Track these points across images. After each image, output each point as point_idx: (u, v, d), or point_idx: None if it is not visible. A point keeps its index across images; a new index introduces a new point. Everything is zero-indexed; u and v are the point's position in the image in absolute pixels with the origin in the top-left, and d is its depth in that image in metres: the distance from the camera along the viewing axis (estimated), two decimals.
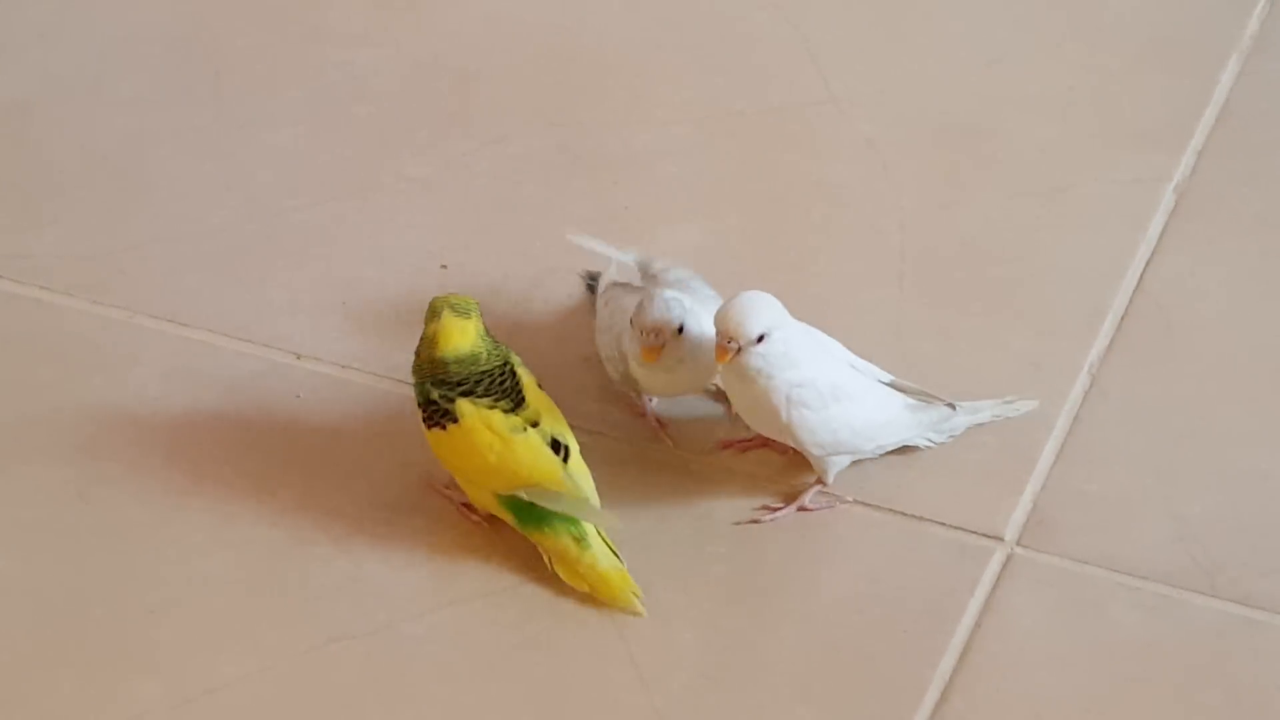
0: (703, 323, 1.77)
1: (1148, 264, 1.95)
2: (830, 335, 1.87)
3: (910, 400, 1.80)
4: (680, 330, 1.76)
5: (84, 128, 2.08)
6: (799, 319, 1.89)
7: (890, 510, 1.80)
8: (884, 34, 2.13)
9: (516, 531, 1.74)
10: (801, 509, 1.80)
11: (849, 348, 1.87)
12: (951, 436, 1.83)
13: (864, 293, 1.95)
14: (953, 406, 1.80)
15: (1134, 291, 1.93)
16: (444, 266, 1.94)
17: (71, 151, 2.06)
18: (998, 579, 1.74)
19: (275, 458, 1.82)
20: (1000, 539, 1.77)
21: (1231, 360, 1.89)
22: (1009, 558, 1.76)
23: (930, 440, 1.83)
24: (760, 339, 1.72)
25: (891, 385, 1.80)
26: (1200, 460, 1.82)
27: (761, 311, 1.74)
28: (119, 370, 1.90)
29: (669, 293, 1.78)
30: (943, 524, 1.78)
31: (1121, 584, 1.74)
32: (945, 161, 2.04)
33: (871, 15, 2.14)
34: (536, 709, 1.67)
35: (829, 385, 1.76)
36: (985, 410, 1.83)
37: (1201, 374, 1.88)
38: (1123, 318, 1.92)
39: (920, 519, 1.79)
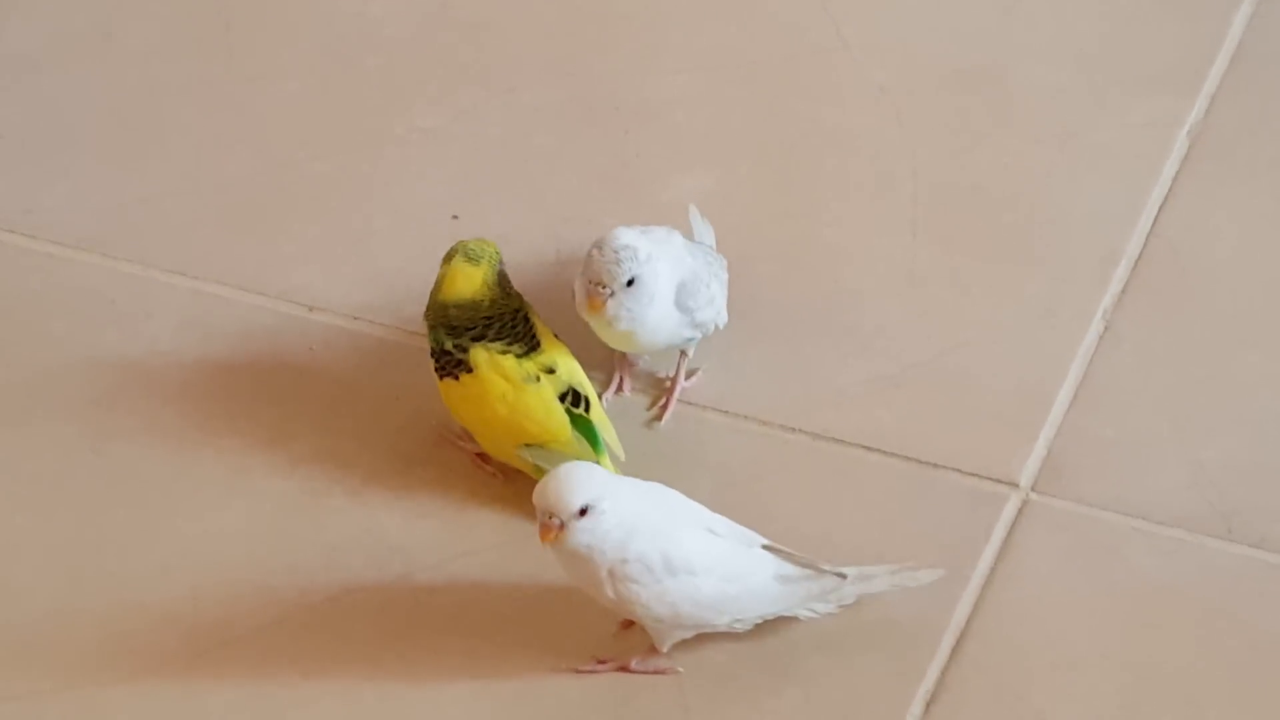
0: (661, 276, 1.74)
1: (1161, 208, 1.95)
2: (844, 284, 1.90)
3: (788, 570, 1.69)
4: (630, 283, 1.73)
5: (94, 81, 2.08)
6: (812, 266, 1.90)
7: (905, 457, 1.79)
8: None
9: (531, 482, 1.71)
10: (623, 669, 1.70)
11: (862, 298, 1.89)
12: (841, 606, 1.70)
13: (876, 240, 1.94)
14: (842, 576, 1.68)
15: (1148, 236, 1.93)
16: (455, 217, 1.94)
17: (82, 105, 2.06)
18: (1013, 525, 1.74)
19: (288, 410, 1.82)
20: (1015, 485, 1.77)
21: (1247, 304, 1.89)
22: (1024, 503, 1.76)
23: (814, 611, 1.70)
24: (583, 512, 1.62)
25: (768, 550, 1.69)
26: (1215, 404, 1.82)
27: (583, 483, 1.64)
28: (132, 324, 1.90)
29: (629, 237, 1.74)
30: (958, 470, 1.78)
31: (1137, 529, 1.74)
32: (958, 108, 2.03)
33: None
34: (552, 658, 1.68)
35: (662, 558, 1.65)
36: (880, 579, 1.70)
37: (1216, 318, 1.88)
38: (1136, 262, 1.91)
39: (935, 466, 1.79)
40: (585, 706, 1.66)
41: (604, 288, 1.73)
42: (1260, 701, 1.65)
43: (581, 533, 1.63)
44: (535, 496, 1.63)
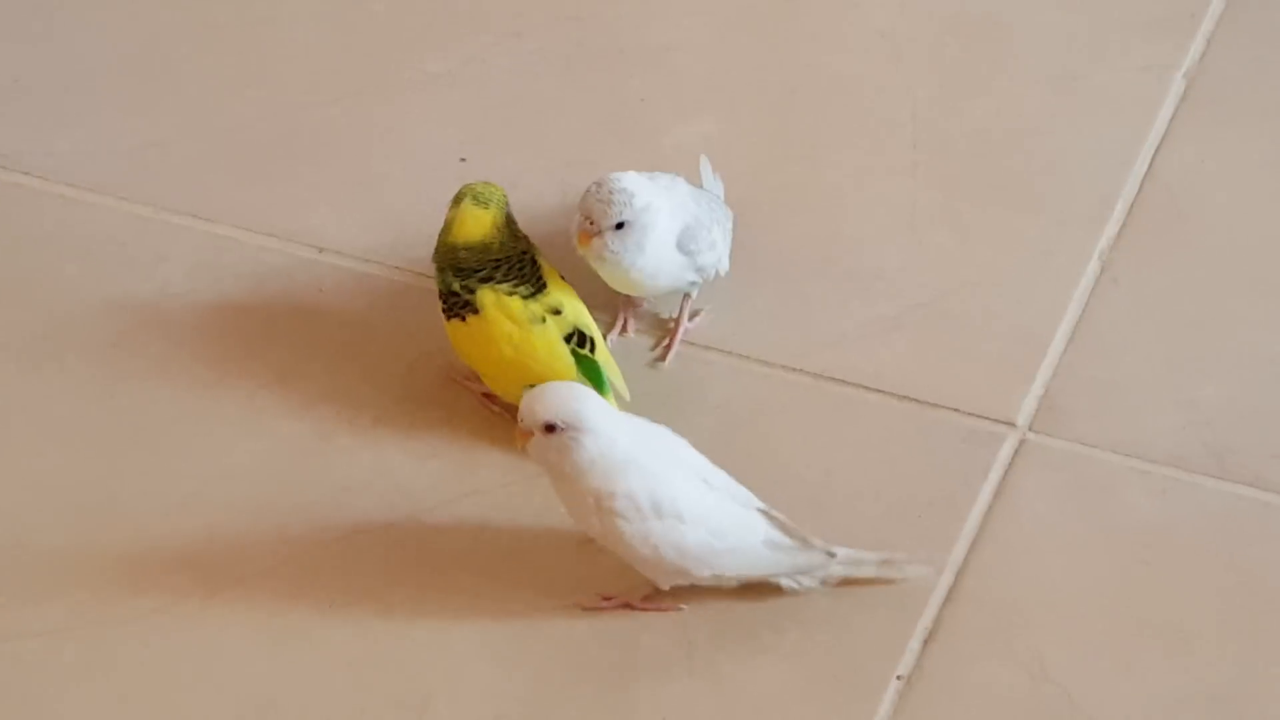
0: (660, 218, 1.75)
1: (1157, 151, 1.96)
2: (845, 227, 1.89)
3: (778, 537, 1.67)
4: (620, 227, 1.73)
5: (106, 27, 2.08)
6: (813, 210, 1.90)
7: (904, 397, 1.80)
8: None
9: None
10: (628, 606, 1.70)
11: (862, 242, 1.88)
12: (825, 584, 1.69)
13: (878, 184, 1.95)
14: (831, 554, 1.67)
15: (1144, 179, 1.94)
16: (463, 160, 1.94)
17: (94, 50, 2.06)
18: (1010, 464, 1.75)
19: (299, 351, 1.83)
20: (1013, 424, 1.78)
21: (1242, 247, 1.89)
22: (1021, 443, 1.76)
23: (797, 583, 1.69)
24: (550, 429, 1.62)
25: (764, 514, 1.68)
26: (1210, 346, 1.83)
27: (559, 404, 1.64)
28: (145, 266, 1.90)
29: (628, 180, 1.74)
30: (956, 410, 1.79)
31: (1132, 468, 1.75)
32: (957, 52, 2.04)
33: None
34: (559, 596, 1.69)
35: (650, 499, 1.65)
36: (868, 565, 1.69)
37: (1212, 261, 1.88)
38: (1133, 205, 1.92)
39: (934, 405, 1.79)
40: (591, 644, 1.66)
41: (592, 224, 1.74)
42: (1250, 636, 1.65)
43: (545, 450, 1.63)
44: (522, 400, 1.65)
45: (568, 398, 1.64)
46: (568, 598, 1.69)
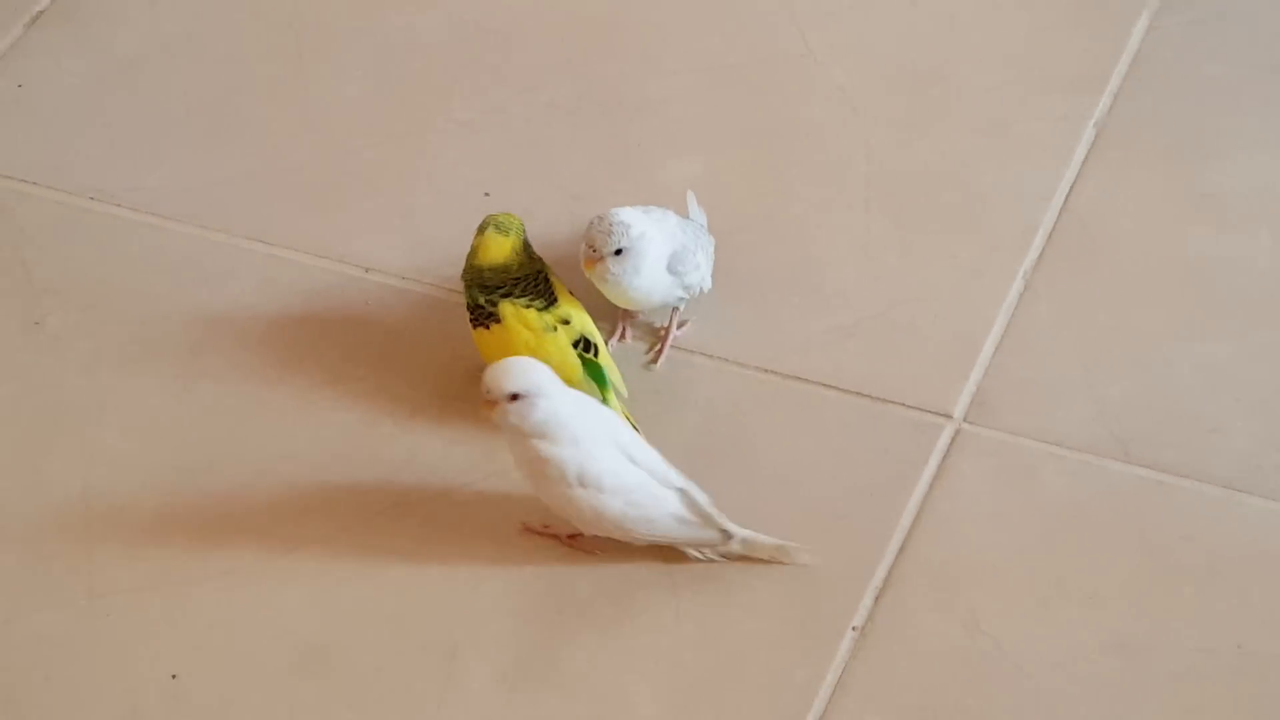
0: (653, 247, 1.75)
1: (1072, 188, 1.94)
2: (809, 251, 1.89)
3: (685, 514, 1.65)
4: (619, 253, 1.74)
5: (186, 81, 2.07)
6: (782, 237, 1.90)
7: (858, 394, 1.80)
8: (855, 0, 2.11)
9: None
10: (557, 538, 1.70)
11: (823, 263, 1.88)
12: (725, 558, 1.67)
13: (836, 214, 1.94)
14: (729, 535, 1.65)
15: (1061, 211, 1.92)
16: (487, 194, 1.94)
17: (176, 100, 2.05)
18: (947, 450, 1.75)
19: (348, 355, 1.83)
20: (950, 416, 1.78)
21: (1143, 268, 1.88)
22: (957, 432, 1.77)
23: (701, 554, 1.67)
24: (514, 398, 1.62)
25: (681, 492, 1.65)
26: (1117, 351, 1.82)
27: (519, 375, 1.63)
28: (219, 283, 1.90)
29: (625, 214, 1.75)
30: (902, 404, 1.79)
31: (1051, 453, 1.75)
32: (904, 104, 2.02)
33: None
34: (564, 559, 1.70)
35: (577, 469, 1.63)
36: (763, 547, 1.66)
37: (1118, 280, 1.88)
38: (1051, 232, 1.91)
39: (883, 400, 1.79)
40: (595, 600, 1.67)
41: (595, 251, 1.74)
42: (1150, 593, 1.66)
43: (512, 415, 1.63)
44: (484, 376, 1.64)
45: (527, 369, 1.64)
46: (570, 559, 1.69)
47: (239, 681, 1.63)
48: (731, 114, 2.02)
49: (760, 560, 1.67)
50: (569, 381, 1.72)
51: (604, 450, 1.65)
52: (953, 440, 1.76)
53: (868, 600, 1.65)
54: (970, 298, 1.86)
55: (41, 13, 2.11)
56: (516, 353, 1.73)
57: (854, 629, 1.64)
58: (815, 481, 1.73)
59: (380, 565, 1.70)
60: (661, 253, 1.77)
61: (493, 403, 1.63)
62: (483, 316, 1.76)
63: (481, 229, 1.77)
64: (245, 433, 1.78)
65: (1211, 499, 1.71)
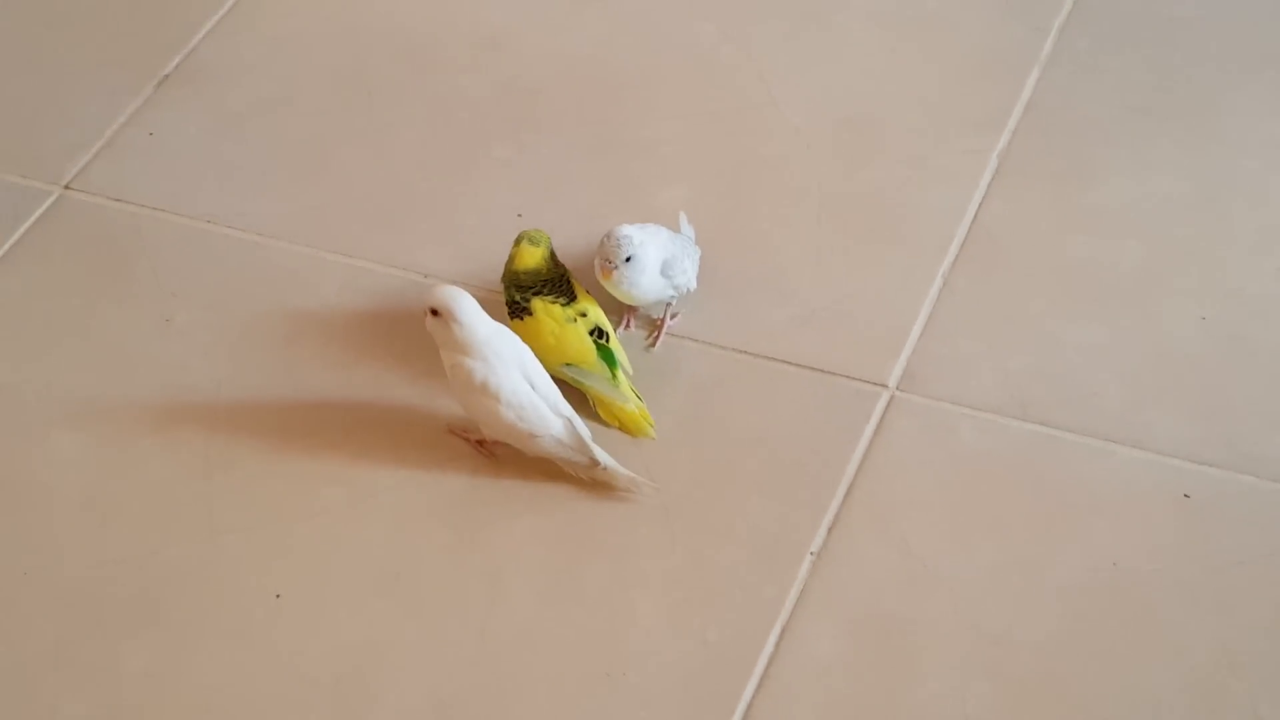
0: (650, 256, 1.75)
1: (980, 206, 1.94)
2: (773, 258, 1.89)
3: (565, 438, 1.65)
4: (628, 260, 1.74)
5: (283, 129, 2.07)
6: (752, 247, 1.90)
7: (812, 368, 1.79)
8: (808, 61, 2.10)
9: (571, 388, 1.75)
10: (473, 444, 1.70)
11: (784, 267, 1.88)
12: (594, 477, 1.66)
13: (795, 229, 1.93)
14: (596, 462, 1.65)
15: (971, 224, 1.92)
16: (519, 215, 1.93)
17: (275, 144, 2.05)
18: (884, 412, 1.75)
19: (413, 344, 1.81)
20: (885, 385, 1.77)
21: (1037, 269, 1.88)
22: (891, 399, 1.76)
23: (573, 472, 1.67)
24: (434, 313, 1.65)
25: (566, 419, 1.66)
26: (1017, 333, 1.82)
27: (438, 296, 1.65)
28: (309, 288, 1.90)
29: (628, 230, 1.75)
30: (847, 376, 1.78)
31: (965, 414, 1.75)
32: (847, 142, 2.02)
33: (800, 50, 2.11)
34: (582, 502, 1.70)
35: (481, 378, 1.65)
36: (621, 477, 1.66)
37: (1017, 277, 1.87)
38: (964, 241, 1.90)
39: (832, 374, 1.78)
40: (607, 533, 1.66)
41: (609, 262, 1.75)
42: (1044, 524, 1.67)
43: (432, 326, 1.66)
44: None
45: (449, 295, 1.66)
46: (593, 495, 1.69)
47: (330, 600, 1.63)
48: (711, 151, 2.02)
49: (617, 481, 1.67)
50: (585, 362, 1.73)
51: (509, 371, 1.66)
52: (888, 405, 1.76)
53: (822, 531, 1.66)
54: (901, 292, 1.86)
55: (167, 76, 2.11)
56: (545, 339, 1.74)
57: (811, 554, 1.64)
58: (779, 438, 1.74)
59: (438, 508, 1.70)
60: (656, 261, 1.77)
61: (426, 312, 1.66)
62: (518, 310, 1.76)
63: (517, 241, 1.78)
64: (332, 404, 1.78)
65: (1090, 448, 1.72)
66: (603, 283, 1.77)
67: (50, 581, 1.65)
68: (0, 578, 1.65)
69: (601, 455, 1.66)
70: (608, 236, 1.76)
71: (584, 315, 1.76)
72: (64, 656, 1.60)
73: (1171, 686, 1.54)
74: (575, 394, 1.74)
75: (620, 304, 1.82)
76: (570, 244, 1.85)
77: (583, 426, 1.67)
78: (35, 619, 1.62)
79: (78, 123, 2.05)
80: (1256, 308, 1.82)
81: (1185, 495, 1.67)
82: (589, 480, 1.68)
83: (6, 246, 1.92)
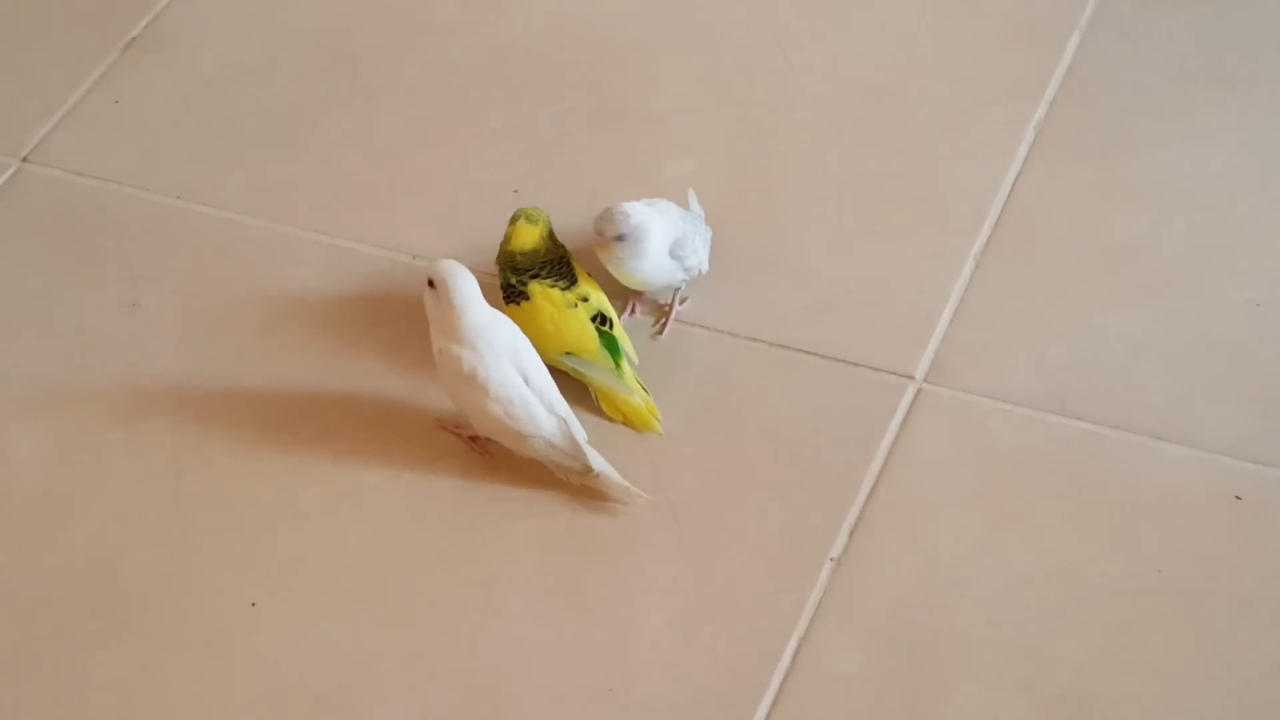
0: (653, 235, 1.75)
1: (1015, 182, 1.94)
2: (791, 238, 1.89)
3: (557, 440, 1.65)
4: (620, 239, 1.74)
5: (259, 97, 2.07)
6: (768, 226, 1.90)
7: (834, 359, 1.79)
8: (829, 25, 2.10)
9: (571, 379, 1.75)
10: (465, 439, 1.71)
11: (803, 248, 1.88)
12: (584, 484, 1.66)
13: (813, 207, 1.94)
14: (589, 468, 1.64)
15: (1006, 202, 1.92)
16: (516, 191, 1.93)
17: (250, 114, 2.05)
18: (911, 406, 1.75)
19: (398, 331, 1.82)
20: (912, 377, 1.77)
21: (1076, 250, 1.88)
22: (919, 391, 1.76)
23: (565, 477, 1.67)
24: (431, 285, 1.65)
25: (561, 420, 1.65)
26: (1054, 321, 1.82)
27: (440, 271, 1.65)
28: (287, 269, 1.90)
29: (629, 206, 1.76)
30: (871, 367, 1.78)
31: (998, 408, 1.75)
32: (871, 113, 2.02)
33: (820, 13, 2.12)
34: (584, 502, 1.70)
35: (470, 368, 1.64)
36: (614, 485, 1.65)
37: (1054, 260, 1.88)
38: (998, 221, 1.91)
39: (856, 364, 1.79)
40: (611, 537, 1.67)
41: (601, 236, 1.75)
42: (1081, 526, 1.67)
43: (428, 301, 1.66)
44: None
45: (449, 269, 1.66)
46: (596, 499, 1.69)
47: (310, 609, 1.63)
48: (724, 122, 2.02)
49: (611, 489, 1.67)
50: (587, 351, 1.73)
51: (500, 362, 1.65)
52: (915, 398, 1.76)
53: (843, 535, 1.66)
54: (929, 276, 1.86)
55: (134, 39, 2.11)
56: (543, 326, 1.74)
57: (831, 559, 1.64)
58: (797, 433, 1.73)
59: (427, 509, 1.70)
60: (664, 241, 1.77)
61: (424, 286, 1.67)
62: (514, 294, 1.76)
63: (513, 220, 1.78)
64: (312, 396, 1.78)
65: (1133, 445, 1.71)
66: (602, 261, 1.78)
67: (8, 587, 1.65)
68: None
69: (597, 461, 1.65)
70: (604, 211, 1.77)
71: (585, 300, 1.76)
72: (23, 669, 1.60)
73: (1221, 704, 1.54)
74: (576, 386, 1.75)
75: (625, 288, 1.82)
76: (570, 223, 1.85)
77: (579, 429, 1.67)
78: None
79: (37, 90, 2.06)
80: None
81: (1237, 497, 1.67)
82: (580, 487, 1.68)
83: None
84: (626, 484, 1.66)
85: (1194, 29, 2.07)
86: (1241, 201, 1.91)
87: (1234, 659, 1.57)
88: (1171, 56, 2.04)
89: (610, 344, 1.75)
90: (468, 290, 1.66)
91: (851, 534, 1.66)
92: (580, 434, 1.66)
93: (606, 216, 1.76)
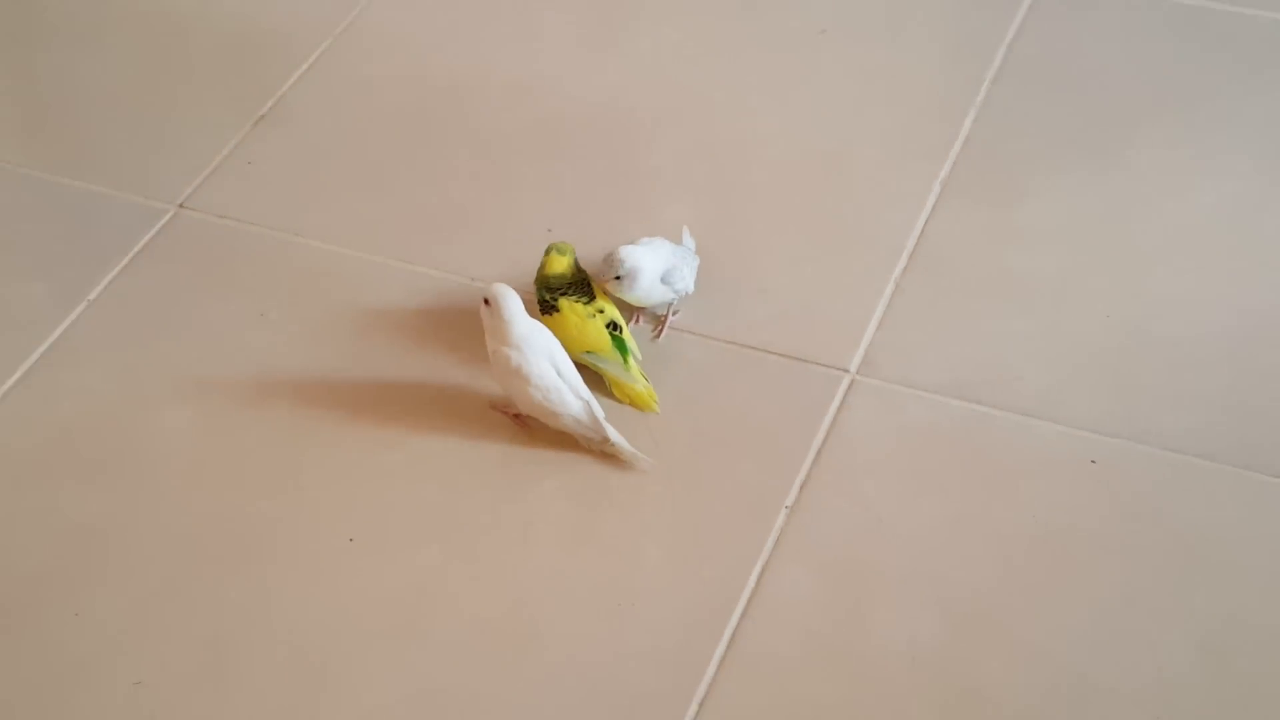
0: (644, 271, 1.74)
1: (926, 222, 1.91)
2: (757, 266, 1.87)
3: (583, 418, 1.64)
4: (618, 278, 1.74)
5: (356, 159, 2.05)
6: (742, 257, 1.88)
7: (786, 355, 1.78)
8: (785, 103, 2.08)
9: (591, 371, 1.75)
10: (511, 416, 1.68)
11: (767, 271, 1.85)
12: (602, 451, 1.65)
13: (774, 240, 1.92)
14: (606, 438, 1.63)
15: (919, 237, 1.90)
16: (549, 230, 1.92)
17: (350, 171, 2.02)
18: (845, 394, 1.74)
19: (462, 334, 1.80)
20: (847, 370, 1.76)
21: (973, 274, 1.86)
22: (852, 381, 1.75)
23: (588, 441, 1.65)
24: (486, 302, 1.65)
25: (585, 402, 1.64)
26: (956, 328, 1.80)
27: (494, 292, 1.65)
28: (376, 288, 1.88)
29: (627, 249, 1.75)
30: (815, 362, 1.77)
31: (913, 395, 1.73)
32: (817, 169, 1.99)
33: (779, 93, 2.09)
34: (603, 458, 1.69)
35: (516, 363, 1.64)
36: (625, 451, 1.64)
37: (956, 282, 1.85)
38: (913, 251, 1.88)
39: (802, 360, 1.77)
40: (616, 486, 1.65)
41: (604, 276, 1.76)
42: (980, 487, 1.65)
43: (484, 314, 1.66)
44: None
45: (501, 291, 1.66)
46: (604, 462, 1.67)
47: (393, 543, 1.62)
48: (707, 177, 2.01)
49: (623, 460, 1.66)
50: (602, 350, 1.72)
51: (539, 359, 1.65)
52: (849, 387, 1.74)
53: (795, 489, 1.65)
54: (860, 293, 1.85)
55: (263, 116, 2.10)
56: (569, 332, 1.73)
57: (786, 508, 1.64)
58: (760, 413, 1.73)
59: (481, 469, 1.69)
60: (656, 272, 1.76)
61: (482, 301, 1.66)
62: (548, 307, 1.76)
63: (547, 252, 1.77)
64: (395, 384, 1.77)
65: (1016, 422, 1.70)
66: (606, 289, 1.78)
67: (163, 529, 1.65)
68: (121, 526, 1.65)
69: (612, 433, 1.65)
70: (607, 256, 1.75)
71: (601, 312, 1.75)
72: (174, 590, 1.60)
73: (1083, 616, 1.54)
74: (594, 376, 1.74)
75: (630, 305, 1.82)
76: (591, 253, 1.85)
77: (598, 408, 1.66)
78: (150, 560, 1.62)
79: (190, 153, 2.05)
80: (1153, 308, 1.81)
81: (1092, 461, 1.66)
82: (600, 453, 1.67)
83: (131, 254, 1.92)
84: (633, 450, 1.65)
85: (1064, 107, 2.04)
86: (1097, 238, 1.89)
87: (1092, 583, 1.56)
88: (1046, 128, 2.02)
89: (620, 345, 1.74)
90: (514, 306, 1.66)
91: (801, 489, 1.65)
92: (599, 413, 1.65)
93: (607, 260, 1.75)
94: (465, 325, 1.80)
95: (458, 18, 2.20)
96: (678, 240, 1.85)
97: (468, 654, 1.54)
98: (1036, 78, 2.07)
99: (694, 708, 1.49)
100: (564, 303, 1.75)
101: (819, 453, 1.68)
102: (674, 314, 1.82)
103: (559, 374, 1.66)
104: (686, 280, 1.79)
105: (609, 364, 1.73)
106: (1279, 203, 1.89)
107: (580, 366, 1.72)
